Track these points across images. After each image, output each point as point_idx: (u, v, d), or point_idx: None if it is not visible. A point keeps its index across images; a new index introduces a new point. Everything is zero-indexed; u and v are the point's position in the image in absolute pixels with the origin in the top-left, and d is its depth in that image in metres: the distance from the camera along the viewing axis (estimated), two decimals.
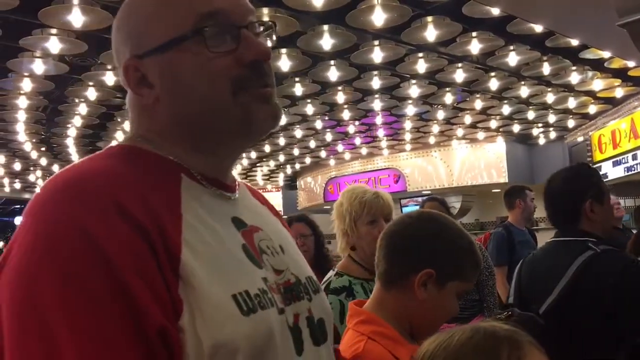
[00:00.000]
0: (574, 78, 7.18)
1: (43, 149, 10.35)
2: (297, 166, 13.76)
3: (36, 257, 0.69)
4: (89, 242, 0.68)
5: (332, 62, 6.29)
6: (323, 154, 12.14)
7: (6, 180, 13.92)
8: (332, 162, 13.23)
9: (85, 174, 0.77)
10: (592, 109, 8.98)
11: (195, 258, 0.74)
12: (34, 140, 9.66)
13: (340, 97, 7.62)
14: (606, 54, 6.24)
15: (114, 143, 0.92)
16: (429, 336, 1.39)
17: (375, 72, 6.73)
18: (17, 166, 11.86)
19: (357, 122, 9.31)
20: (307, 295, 0.91)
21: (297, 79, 6.80)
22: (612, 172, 9.07)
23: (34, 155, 10.76)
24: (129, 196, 0.74)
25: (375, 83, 7.00)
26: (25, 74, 6.19)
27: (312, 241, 3.25)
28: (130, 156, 0.84)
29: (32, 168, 12.34)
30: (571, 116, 9.51)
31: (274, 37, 0.91)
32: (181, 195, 0.81)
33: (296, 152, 11.67)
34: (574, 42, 5.79)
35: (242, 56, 0.83)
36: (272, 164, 13.07)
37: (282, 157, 12.27)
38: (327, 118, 8.87)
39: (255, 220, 0.91)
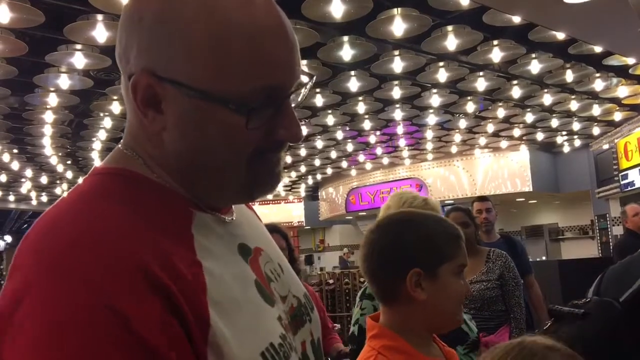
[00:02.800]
0: (598, 85, 7.09)
1: (69, 162, 10.53)
2: (319, 177, 13.78)
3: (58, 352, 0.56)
4: (125, 328, 0.58)
5: (352, 72, 6.31)
6: (344, 164, 12.15)
7: (33, 194, 14.18)
8: (353, 172, 13.22)
9: (98, 228, 0.65)
10: (618, 116, 8.85)
11: (221, 317, 0.67)
12: (60, 154, 9.84)
13: (361, 108, 7.62)
14: (631, 61, 6.15)
15: (111, 161, 0.78)
16: (455, 325, 1.36)
17: (396, 82, 6.72)
18: (44, 180, 12.08)
19: (378, 132, 9.30)
20: (308, 316, 0.88)
21: (317, 90, 6.82)
22: (638, 179, 8.92)
23: (60, 168, 10.95)
24: (149, 255, 0.64)
25: (396, 93, 7.00)
26: (51, 89, 6.32)
27: (286, 254, 3.11)
28: (135, 189, 0.74)
29: (58, 181, 12.55)
30: (596, 123, 9.38)
31: (309, 89, 0.80)
32: (193, 235, 0.72)
33: (317, 162, 11.69)
34: (598, 49, 5.72)
35: (275, 132, 0.73)
36: (293, 174, 13.11)
37: (303, 168, 12.29)
38: (348, 128, 8.88)
39: (255, 238, 0.86)
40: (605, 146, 10.16)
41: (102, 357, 0.56)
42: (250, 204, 0.96)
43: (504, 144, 10.65)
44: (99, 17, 4.67)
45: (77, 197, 0.72)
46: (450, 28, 5.23)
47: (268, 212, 15.33)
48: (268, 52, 0.70)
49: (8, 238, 20.78)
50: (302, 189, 15.56)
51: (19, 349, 0.57)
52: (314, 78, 0.80)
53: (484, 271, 3.27)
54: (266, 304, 0.76)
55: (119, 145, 0.79)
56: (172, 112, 0.71)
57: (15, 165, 10.46)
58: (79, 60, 5.39)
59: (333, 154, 10.90)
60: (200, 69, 0.69)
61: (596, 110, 8.35)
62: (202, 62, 0.69)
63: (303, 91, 0.78)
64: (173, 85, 0.70)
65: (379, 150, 10.86)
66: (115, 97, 6.69)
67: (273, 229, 3.12)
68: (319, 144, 9.72)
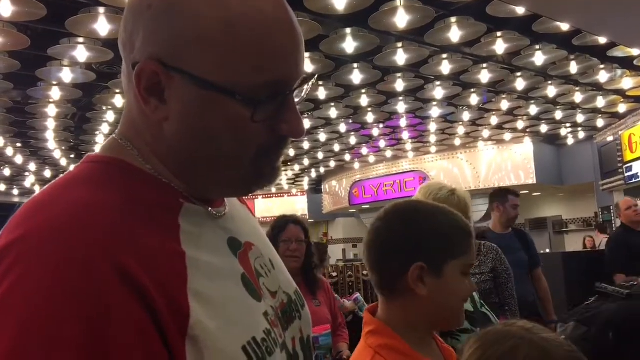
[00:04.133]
0: (603, 77, 7.06)
1: (72, 156, 10.54)
2: (322, 170, 13.77)
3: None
4: (92, 334, 0.57)
5: (355, 65, 6.28)
6: (347, 157, 12.13)
7: (37, 188, 14.22)
8: (356, 165, 13.21)
9: (78, 220, 0.63)
10: (622, 107, 8.82)
11: (203, 309, 0.66)
12: (63, 148, 9.86)
13: (364, 100, 7.60)
14: (635, 52, 6.12)
15: (106, 147, 0.77)
16: (458, 325, 1.33)
17: (399, 74, 6.70)
18: (47, 173, 12.11)
19: (381, 125, 9.28)
20: (298, 312, 0.87)
21: (320, 83, 6.81)
22: None
23: (63, 162, 10.98)
24: (128, 249, 0.63)
25: (399, 85, 6.97)
26: (54, 82, 6.32)
27: (304, 248, 3.08)
28: (125, 179, 0.72)
29: (61, 175, 12.57)
30: (600, 115, 9.35)
31: (311, 85, 0.79)
32: (180, 225, 0.71)
33: (320, 155, 11.68)
34: (602, 40, 5.68)
35: (279, 127, 0.73)
36: (296, 167, 13.11)
37: (306, 161, 12.29)
38: (351, 121, 8.86)
39: (247, 233, 0.85)
40: (610, 138, 10.12)
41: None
42: (246, 198, 0.95)
43: (507, 136, 10.61)
44: (101, 10, 4.66)
45: (64, 184, 0.72)
46: (453, 19, 5.20)
47: (271, 205, 15.36)
48: (275, 46, 0.70)
49: None
50: (305, 182, 15.56)
51: None
52: (316, 76, 0.79)
53: (476, 264, 3.28)
54: (252, 298, 0.75)
55: (114, 135, 0.77)
56: (176, 102, 0.70)
57: (18, 159, 10.49)
58: (82, 53, 5.39)
59: (336, 147, 10.89)
60: (207, 59, 0.68)
61: (600, 102, 8.31)
62: (209, 52, 0.68)
63: (306, 87, 0.77)
64: (179, 74, 0.69)
65: (382, 143, 10.84)
66: (117, 91, 6.69)
67: (294, 220, 3.12)
68: (322, 137, 9.71)
